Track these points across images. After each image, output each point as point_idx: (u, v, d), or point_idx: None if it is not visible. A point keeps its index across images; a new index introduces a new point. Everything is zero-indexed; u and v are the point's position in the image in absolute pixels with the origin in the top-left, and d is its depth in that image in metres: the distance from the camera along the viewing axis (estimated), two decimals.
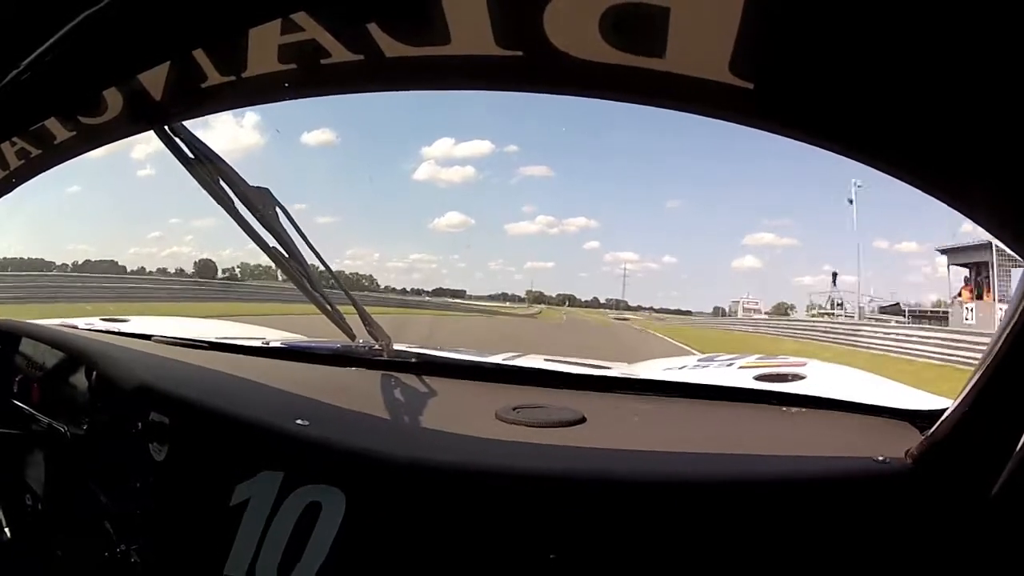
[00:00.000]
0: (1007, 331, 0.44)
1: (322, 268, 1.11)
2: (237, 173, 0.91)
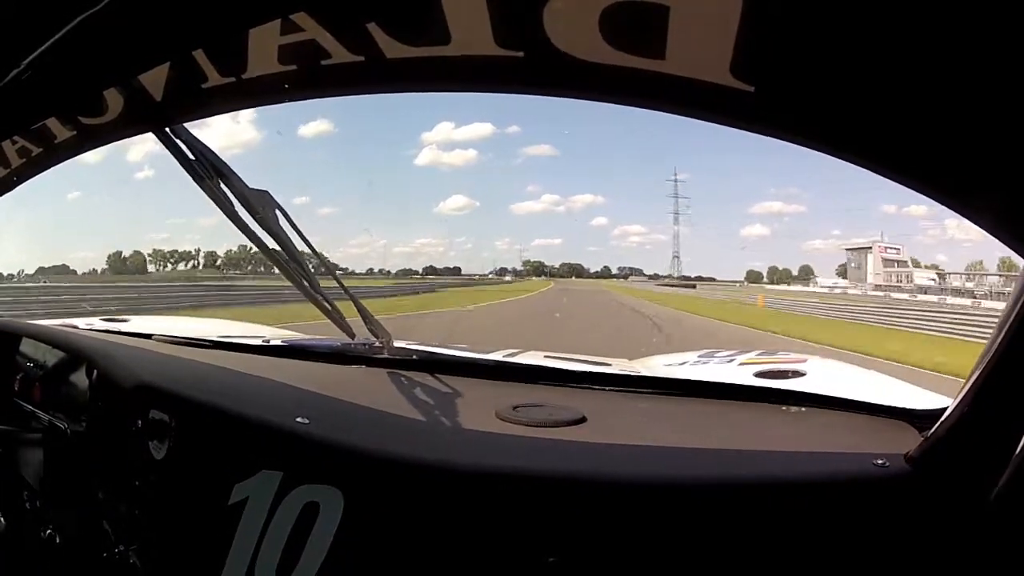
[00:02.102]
0: (1005, 330, 0.44)
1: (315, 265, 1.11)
2: (237, 175, 0.91)
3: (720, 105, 0.50)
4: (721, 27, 0.45)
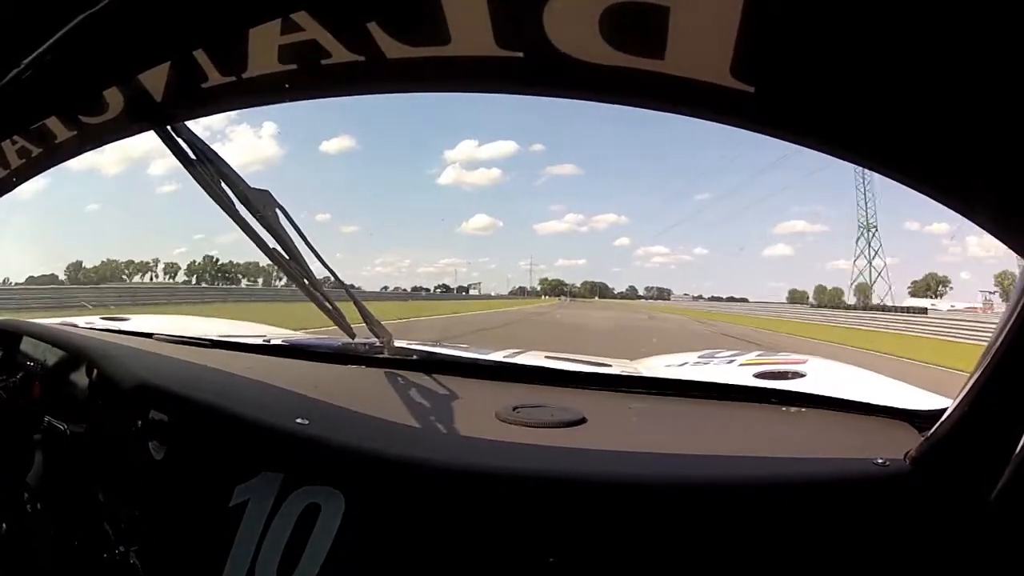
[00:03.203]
0: (1006, 330, 0.44)
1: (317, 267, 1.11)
2: (238, 174, 0.91)
3: (720, 105, 0.50)
4: (721, 27, 0.45)
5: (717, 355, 1.25)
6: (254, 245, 0.94)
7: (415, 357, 1.07)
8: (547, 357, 1.18)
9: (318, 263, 1.06)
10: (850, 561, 0.51)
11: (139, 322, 1.61)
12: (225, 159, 0.91)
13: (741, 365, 1.13)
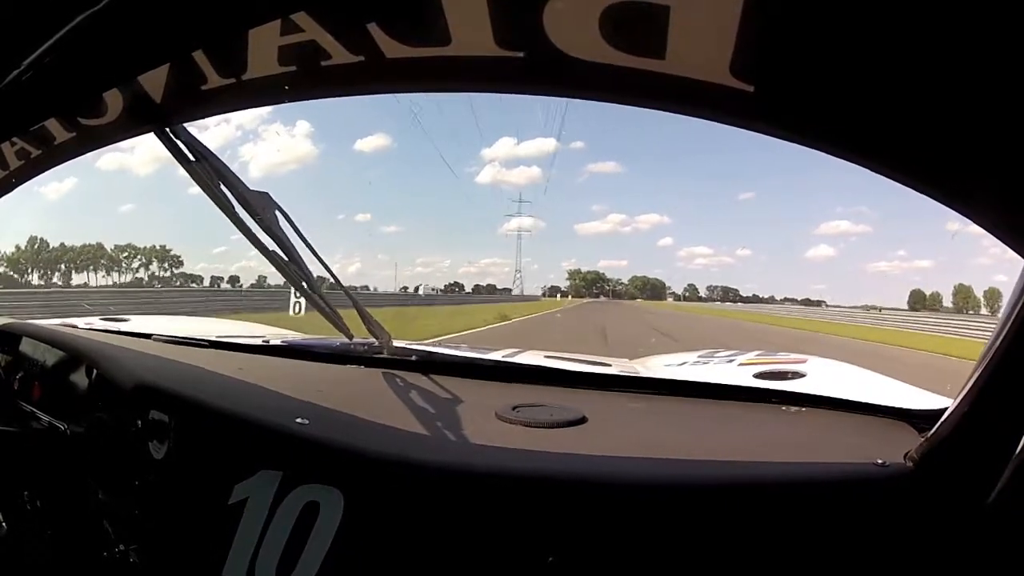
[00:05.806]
0: (1006, 329, 0.44)
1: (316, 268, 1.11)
2: (237, 176, 0.91)
3: (719, 105, 0.50)
4: (721, 27, 0.45)
5: (717, 354, 1.25)
6: (252, 247, 0.94)
7: (414, 357, 1.07)
8: (547, 357, 1.18)
9: (319, 267, 1.06)
10: (850, 562, 0.51)
11: (138, 323, 1.62)
12: (226, 161, 0.91)
13: (741, 365, 1.13)
